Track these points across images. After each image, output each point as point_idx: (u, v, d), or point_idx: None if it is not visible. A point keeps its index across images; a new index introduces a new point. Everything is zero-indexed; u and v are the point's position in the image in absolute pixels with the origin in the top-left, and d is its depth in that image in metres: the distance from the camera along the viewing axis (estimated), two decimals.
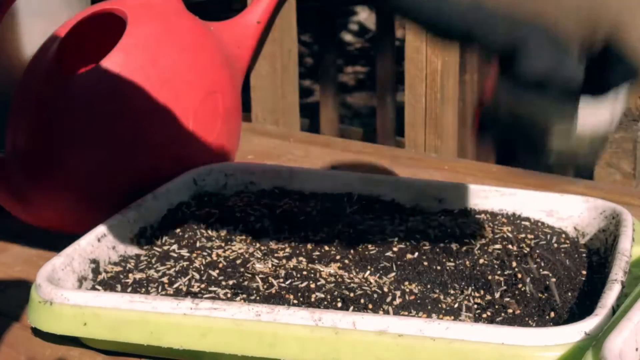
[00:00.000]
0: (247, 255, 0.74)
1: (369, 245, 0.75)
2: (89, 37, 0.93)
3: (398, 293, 0.68)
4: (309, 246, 0.76)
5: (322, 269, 0.72)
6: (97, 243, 0.75)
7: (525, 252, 0.73)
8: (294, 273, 0.71)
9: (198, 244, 0.77)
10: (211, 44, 0.94)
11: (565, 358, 0.58)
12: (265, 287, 0.69)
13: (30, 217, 0.85)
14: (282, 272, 0.71)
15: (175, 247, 0.77)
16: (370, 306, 0.66)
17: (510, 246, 0.74)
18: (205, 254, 0.75)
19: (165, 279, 0.71)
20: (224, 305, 0.64)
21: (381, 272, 0.72)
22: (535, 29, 0.48)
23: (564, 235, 0.77)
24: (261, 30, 1.06)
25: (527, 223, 0.79)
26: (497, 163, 1.06)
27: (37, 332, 0.70)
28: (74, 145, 0.83)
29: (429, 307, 0.66)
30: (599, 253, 0.75)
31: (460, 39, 0.51)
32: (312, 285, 0.69)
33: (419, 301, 0.67)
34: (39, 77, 0.84)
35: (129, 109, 0.84)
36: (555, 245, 0.74)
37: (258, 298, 0.68)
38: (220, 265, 0.73)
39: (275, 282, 0.70)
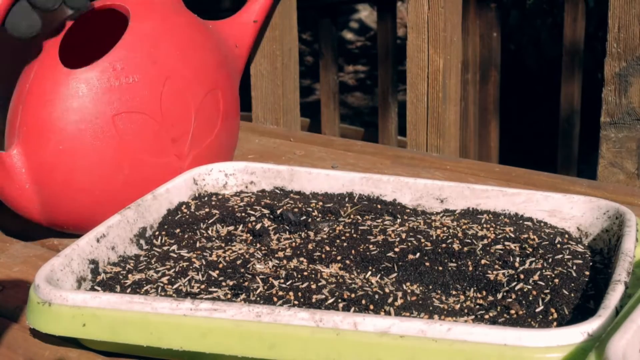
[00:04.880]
0: (247, 256, 0.74)
1: (370, 246, 0.75)
2: (90, 32, 0.93)
3: (399, 294, 0.67)
4: (310, 246, 0.75)
5: (323, 270, 0.71)
6: (96, 243, 0.75)
7: (528, 252, 0.72)
8: (295, 274, 0.70)
9: (198, 244, 0.77)
10: (211, 42, 0.93)
11: (567, 359, 0.58)
12: (265, 287, 0.69)
13: (34, 215, 0.84)
14: (283, 273, 0.71)
15: (175, 247, 0.77)
16: (371, 307, 0.66)
17: (512, 246, 0.73)
18: (205, 254, 0.75)
19: (164, 280, 0.71)
20: (224, 306, 0.63)
21: (382, 272, 0.72)
22: None
23: (567, 236, 0.76)
24: (258, 29, 1.06)
25: (529, 223, 0.78)
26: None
27: (35, 333, 0.69)
28: (76, 142, 0.82)
29: (431, 308, 0.66)
30: (602, 253, 0.75)
31: None
32: (313, 286, 0.68)
33: (420, 302, 0.67)
34: (40, 73, 0.84)
35: (131, 106, 0.84)
36: (558, 245, 0.73)
37: (258, 299, 0.68)
38: (221, 265, 0.72)
39: (275, 283, 0.69)
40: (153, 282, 0.71)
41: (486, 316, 0.66)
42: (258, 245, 0.77)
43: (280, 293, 0.68)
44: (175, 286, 0.70)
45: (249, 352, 0.63)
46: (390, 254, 0.73)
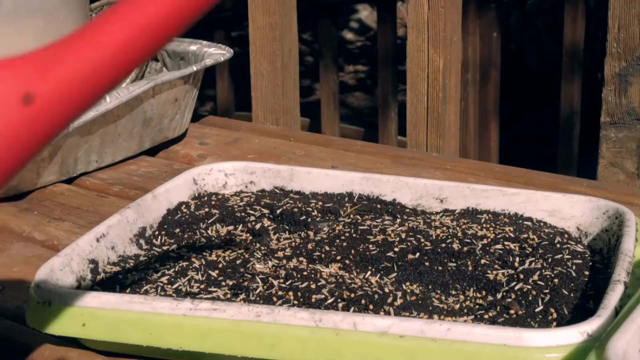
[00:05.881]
0: (247, 256, 0.74)
1: (370, 246, 0.75)
2: None
3: (399, 294, 0.67)
4: (310, 246, 0.75)
5: (322, 270, 0.71)
6: (96, 243, 0.75)
7: (528, 252, 0.72)
8: (294, 273, 0.70)
9: (198, 244, 0.77)
10: None
11: (567, 359, 0.58)
12: (265, 287, 0.69)
13: None
14: (283, 273, 0.71)
15: (174, 247, 0.77)
16: (371, 307, 0.66)
17: (512, 246, 0.73)
18: (205, 254, 0.75)
19: (164, 280, 0.71)
20: (224, 306, 0.63)
21: (382, 272, 0.72)
22: None
23: (566, 236, 0.76)
24: None
25: (529, 223, 0.78)
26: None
27: (35, 333, 0.69)
28: None
29: (430, 308, 0.66)
30: (601, 253, 0.75)
31: None
32: (313, 286, 0.68)
33: (420, 302, 0.67)
34: None
35: None
36: (558, 245, 0.73)
37: (258, 299, 0.68)
38: (220, 265, 0.72)
39: (275, 283, 0.69)
40: (153, 281, 0.71)
41: (486, 316, 0.66)
42: (258, 245, 0.77)
43: (280, 293, 0.68)
44: (174, 286, 0.70)
45: (249, 352, 0.63)
46: (390, 253, 0.73)
